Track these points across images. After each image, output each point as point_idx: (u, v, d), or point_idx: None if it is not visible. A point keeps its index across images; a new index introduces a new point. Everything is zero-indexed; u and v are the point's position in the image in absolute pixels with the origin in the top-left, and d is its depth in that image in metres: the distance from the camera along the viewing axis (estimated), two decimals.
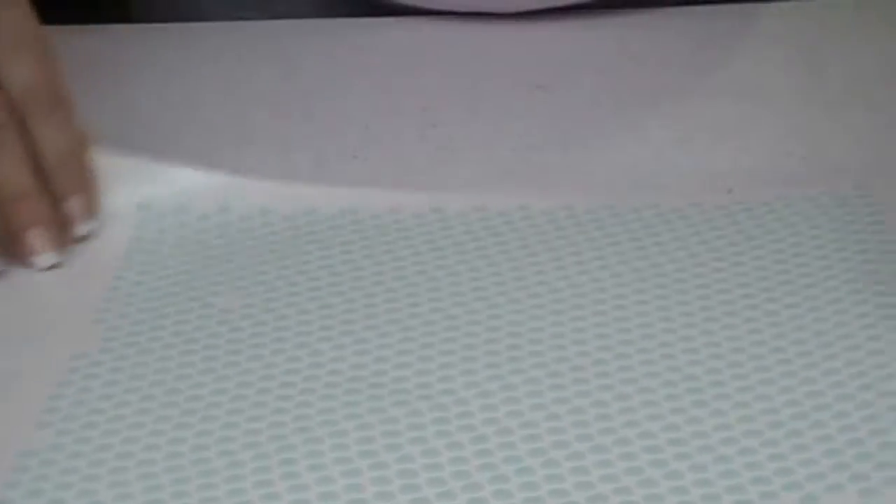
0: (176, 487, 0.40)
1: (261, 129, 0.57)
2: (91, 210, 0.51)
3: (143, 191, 0.53)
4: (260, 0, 0.66)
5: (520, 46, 0.63)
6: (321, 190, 0.53)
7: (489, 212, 0.51)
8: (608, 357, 0.45)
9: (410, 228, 0.51)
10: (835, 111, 0.57)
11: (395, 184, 0.54)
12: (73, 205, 0.50)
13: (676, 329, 0.46)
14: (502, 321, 0.46)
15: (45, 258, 0.49)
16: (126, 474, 0.40)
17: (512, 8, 0.63)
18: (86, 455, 0.41)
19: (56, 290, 0.49)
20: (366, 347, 0.45)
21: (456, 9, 0.63)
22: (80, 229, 0.50)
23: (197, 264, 0.49)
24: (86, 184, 0.51)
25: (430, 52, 0.62)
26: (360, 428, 0.42)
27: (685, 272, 0.48)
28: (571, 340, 0.45)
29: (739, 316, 0.46)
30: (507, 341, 0.46)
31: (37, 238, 0.49)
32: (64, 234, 0.50)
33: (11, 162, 0.49)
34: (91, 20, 0.64)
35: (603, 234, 0.50)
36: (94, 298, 0.48)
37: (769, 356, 0.44)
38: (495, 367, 0.44)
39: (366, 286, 0.48)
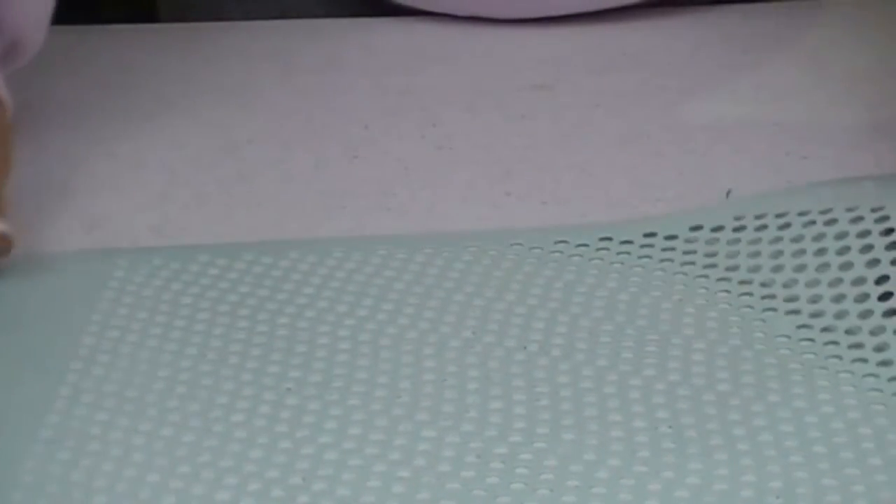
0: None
1: (260, 129, 0.57)
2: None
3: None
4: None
5: (520, 46, 0.63)
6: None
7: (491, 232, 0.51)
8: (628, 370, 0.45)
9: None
10: (835, 111, 0.57)
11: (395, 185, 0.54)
12: None
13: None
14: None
15: None
16: None
17: (511, 14, 0.63)
18: None
19: None
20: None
21: (455, 12, 0.63)
22: None
23: None
24: None
25: (430, 51, 0.62)
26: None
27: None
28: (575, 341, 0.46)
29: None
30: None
31: None
32: None
33: None
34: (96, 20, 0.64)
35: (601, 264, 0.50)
36: None
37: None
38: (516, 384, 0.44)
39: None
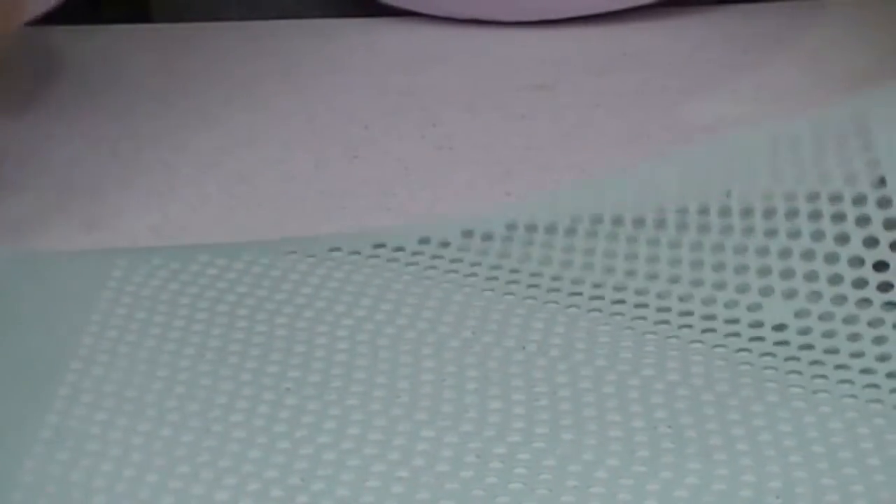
0: None
1: (260, 129, 0.57)
2: None
3: None
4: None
5: (520, 46, 0.63)
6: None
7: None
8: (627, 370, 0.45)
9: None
10: None
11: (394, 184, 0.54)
12: None
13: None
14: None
15: None
16: None
17: (512, 17, 0.63)
18: None
19: None
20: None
21: (453, 15, 0.63)
22: None
23: None
24: None
25: (430, 51, 0.62)
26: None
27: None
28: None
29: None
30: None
31: None
32: None
33: None
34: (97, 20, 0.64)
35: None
36: None
37: None
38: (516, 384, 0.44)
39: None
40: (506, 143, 0.56)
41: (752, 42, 0.63)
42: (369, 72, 0.61)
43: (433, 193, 0.53)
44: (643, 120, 0.57)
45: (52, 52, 0.62)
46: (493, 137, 0.57)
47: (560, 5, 0.63)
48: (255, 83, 0.60)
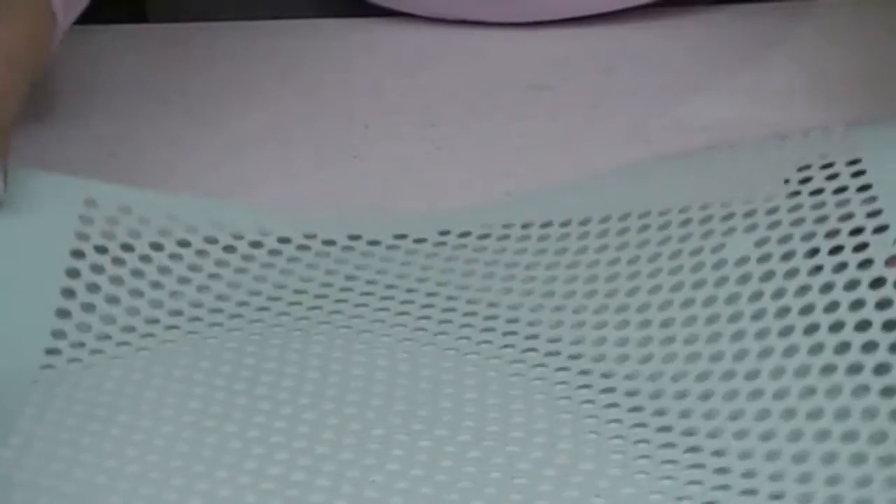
0: None
1: (261, 129, 0.57)
2: None
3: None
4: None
5: (520, 46, 0.63)
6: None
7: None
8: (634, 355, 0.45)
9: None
10: (835, 112, 0.57)
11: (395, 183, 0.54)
12: None
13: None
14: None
15: None
16: None
17: (510, 18, 0.63)
18: None
19: None
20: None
21: (448, 16, 0.63)
22: None
23: None
24: None
25: (430, 51, 0.62)
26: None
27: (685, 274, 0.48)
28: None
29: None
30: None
31: None
32: None
33: None
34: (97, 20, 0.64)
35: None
36: None
37: None
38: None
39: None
40: (506, 143, 0.56)
41: (752, 42, 0.63)
42: (369, 72, 0.61)
43: (433, 193, 0.53)
44: (643, 120, 0.57)
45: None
46: (493, 137, 0.57)
47: (559, 5, 0.63)
48: (256, 83, 0.60)
